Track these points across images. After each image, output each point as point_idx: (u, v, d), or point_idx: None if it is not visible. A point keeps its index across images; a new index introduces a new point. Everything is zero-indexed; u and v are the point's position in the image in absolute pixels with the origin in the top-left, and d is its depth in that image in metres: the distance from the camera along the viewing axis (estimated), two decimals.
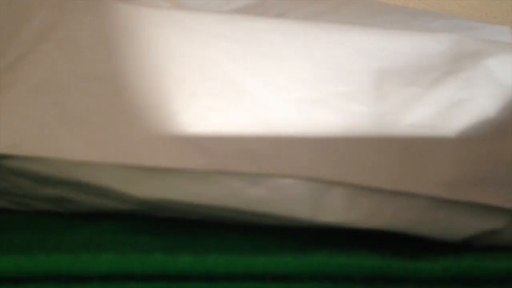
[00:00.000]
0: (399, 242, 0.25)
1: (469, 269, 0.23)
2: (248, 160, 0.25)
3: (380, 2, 0.48)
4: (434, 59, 0.31)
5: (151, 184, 0.25)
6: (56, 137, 0.26)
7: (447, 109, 0.29)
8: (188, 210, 0.26)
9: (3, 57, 0.28)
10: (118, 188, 0.25)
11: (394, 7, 0.47)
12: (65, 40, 0.29)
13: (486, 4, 0.60)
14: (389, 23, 0.42)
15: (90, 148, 0.25)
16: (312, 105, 0.28)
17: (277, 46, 0.30)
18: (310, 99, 0.28)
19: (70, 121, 0.26)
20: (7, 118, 0.26)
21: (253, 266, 0.23)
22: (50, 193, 0.27)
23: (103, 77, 0.28)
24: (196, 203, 0.25)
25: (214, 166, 0.25)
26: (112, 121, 0.26)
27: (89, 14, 0.30)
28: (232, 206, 0.25)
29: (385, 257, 0.23)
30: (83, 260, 0.22)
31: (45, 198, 0.27)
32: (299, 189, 0.25)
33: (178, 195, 0.25)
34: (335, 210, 0.24)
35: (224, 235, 0.26)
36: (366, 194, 0.25)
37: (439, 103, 0.29)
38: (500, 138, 0.28)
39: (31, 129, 0.26)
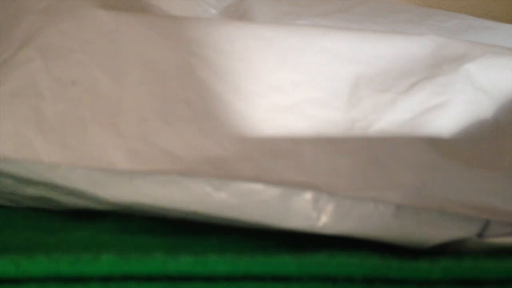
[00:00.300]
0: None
1: (469, 269, 0.22)
2: (215, 164, 0.25)
3: (394, 1, 0.47)
4: (413, 63, 0.31)
5: (121, 187, 0.25)
6: (31, 140, 0.26)
7: (419, 115, 0.28)
8: (161, 213, 0.26)
9: None
10: (90, 191, 0.26)
11: (408, 7, 0.47)
12: (46, 45, 0.29)
13: (486, 4, 0.60)
14: (401, 22, 0.41)
15: (63, 152, 0.26)
16: (284, 111, 0.28)
17: (250, 52, 0.30)
18: (282, 105, 0.28)
19: (45, 126, 0.26)
20: None
21: (253, 266, 0.23)
22: (32, 192, 0.27)
23: (80, 83, 0.28)
24: (166, 207, 0.25)
25: (181, 169, 0.25)
26: (84, 126, 0.27)
27: (71, 20, 0.30)
28: (201, 211, 0.25)
29: (385, 257, 0.23)
30: (83, 260, 0.22)
31: (29, 197, 0.28)
32: (266, 194, 0.25)
33: (147, 198, 0.25)
34: (302, 216, 0.25)
35: (224, 235, 0.26)
36: (333, 200, 0.25)
37: (411, 109, 0.29)
38: (473, 145, 0.28)
39: (6, 132, 0.26)
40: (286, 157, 0.26)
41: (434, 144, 0.27)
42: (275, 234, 0.25)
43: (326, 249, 0.23)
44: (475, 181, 0.26)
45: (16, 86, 0.28)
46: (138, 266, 0.22)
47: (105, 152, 0.26)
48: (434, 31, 0.40)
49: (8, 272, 0.22)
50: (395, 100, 0.29)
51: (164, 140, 0.26)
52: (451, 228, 0.24)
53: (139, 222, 0.27)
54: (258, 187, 0.25)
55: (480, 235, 0.24)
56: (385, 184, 0.25)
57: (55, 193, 0.27)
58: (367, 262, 0.23)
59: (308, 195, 0.25)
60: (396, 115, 0.28)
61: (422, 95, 0.29)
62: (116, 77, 0.28)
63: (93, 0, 0.31)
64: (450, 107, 0.29)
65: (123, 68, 0.29)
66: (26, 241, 0.25)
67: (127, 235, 0.26)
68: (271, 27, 0.32)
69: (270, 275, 0.23)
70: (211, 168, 0.25)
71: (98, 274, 0.22)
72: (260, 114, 0.27)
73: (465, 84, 0.30)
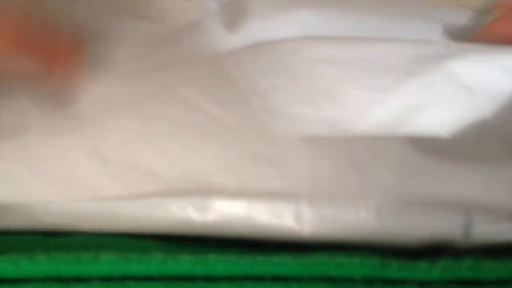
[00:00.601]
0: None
1: (469, 269, 0.23)
2: (196, 180, 0.25)
3: None
4: (396, 62, 0.31)
5: (104, 217, 0.25)
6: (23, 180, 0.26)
7: (401, 115, 0.28)
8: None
9: None
10: (74, 224, 0.25)
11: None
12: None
13: (486, 4, 0.59)
14: (398, 14, 0.41)
15: (50, 187, 0.26)
16: (264, 114, 0.28)
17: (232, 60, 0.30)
18: (262, 108, 0.28)
19: (34, 163, 0.27)
20: None
21: (253, 265, 0.23)
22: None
23: (63, 111, 0.28)
24: (148, 231, 0.25)
25: (162, 190, 0.25)
26: (68, 158, 0.27)
27: None
28: (184, 233, 0.25)
29: (385, 257, 0.23)
30: (83, 259, 0.22)
31: None
32: (248, 210, 0.25)
33: (129, 224, 0.25)
34: (286, 228, 0.24)
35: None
36: (315, 208, 0.24)
37: (393, 109, 0.28)
38: (457, 144, 0.27)
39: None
40: (266, 164, 0.26)
41: (416, 144, 0.27)
42: None
43: (326, 248, 0.23)
44: (457, 180, 0.26)
45: (5, 125, 0.28)
46: (138, 265, 0.22)
47: (90, 181, 0.26)
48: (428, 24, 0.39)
49: (8, 272, 0.22)
50: (376, 99, 0.29)
51: (144, 159, 0.26)
52: (435, 228, 0.24)
53: None
54: (240, 204, 0.25)
55: (465, 233, 0.24)
56: (365, 189, 0.25)
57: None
58: (367, 262, 0.23)
59: (290, 207, 0.24)
60: (377, 115, 0.28)
61: (406, 93, 0.29)
62: (88, 115, 0.28)
63: None
64: (433, 106, 0.29)
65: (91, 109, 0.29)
66: (26, 241, 0.25)
67: (128, 236, 0.26)
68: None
69: (270, 275, 0.23)
70: (193, 186, 0.25)
71: (98, 274, 0.22)
72: (236, 119, 0.27)
73: (448, 83, 0.30)
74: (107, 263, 0.22)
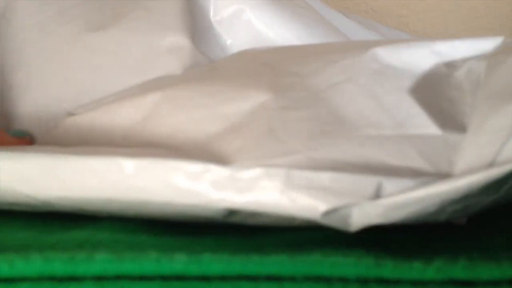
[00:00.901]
0: (396, 242, 0.25)
1: (464, 269, 0.22)
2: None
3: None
4: (323, 49, 0.33)
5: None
6: None
7: (322, 91, 0.29)
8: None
9: None
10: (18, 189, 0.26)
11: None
12: None
13: (486, 4, 0.59)
14: None
15: None
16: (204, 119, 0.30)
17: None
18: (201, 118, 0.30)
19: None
20: None
21: (247, 265, 0.23)
22: None
23: None
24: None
25: None
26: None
27: None
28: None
29: (380, 257, 0.23)
30: (77, 259, 0.22)
31: None
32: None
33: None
34: (199, 194, 0.25)
35: (219, 234, 0.26)
36: (225, 172, 0.25)
37: (315, 88, 0.30)
38: (373, 113, 0.28)
39: None
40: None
41: (332, 114, 0.28)
42: (269, 233, 0.25)
43: (321, 247, 0.23)
44: (367, 144, 0.26)
45: None
46: (132, 265, 0.22)
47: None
48: None
49: (2, 272, 0.22)
50: (301, 81, 0.30)
51: None
52: (343, 193, 0.24)
53: (136, 222, 0.27)
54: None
55: (374, 197, 0.24)
56: (276, 153, 0.25)
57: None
58: (361, 262, 0.23)
59: (211, 169, 0.24)
60: (300, 93, 0.29)
61: (327, 74, 0.30)
62: None
63: None
64: (352, 81, 0.30)
65: None
66: (22, 241, 0.25)
67: (123, 234, 0.26)
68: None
69: (264, 274, 0.23)
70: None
71: (92, 273, 0.22)
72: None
73: (371, 62, 0.31)
74: (101, 262, 0.22)
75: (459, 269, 0.22)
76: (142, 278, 0.22)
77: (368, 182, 0.24)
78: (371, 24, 0.48)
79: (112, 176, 0.25)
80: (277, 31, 0.40)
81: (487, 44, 0.32)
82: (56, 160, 0.25)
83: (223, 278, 0.23)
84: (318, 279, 0.23)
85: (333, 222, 0.24)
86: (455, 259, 0.23)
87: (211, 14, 0.41)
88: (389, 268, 0.22)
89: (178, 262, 0.22)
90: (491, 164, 0.24)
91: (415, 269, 0.22)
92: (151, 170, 0.24)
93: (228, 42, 0.40)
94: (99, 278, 0.22)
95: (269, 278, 0.22)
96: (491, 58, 0.30)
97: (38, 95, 0.36)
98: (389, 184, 0.24)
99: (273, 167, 0.24)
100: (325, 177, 0.24)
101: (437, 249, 0.24)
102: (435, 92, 0.30)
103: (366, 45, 0.32)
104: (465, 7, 0.60)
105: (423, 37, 0.57)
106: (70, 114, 0.34)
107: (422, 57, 0.31)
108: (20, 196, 0.26)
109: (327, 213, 0.23)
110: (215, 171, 0.24)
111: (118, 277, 0.22)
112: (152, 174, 0.24)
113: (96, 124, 0.32)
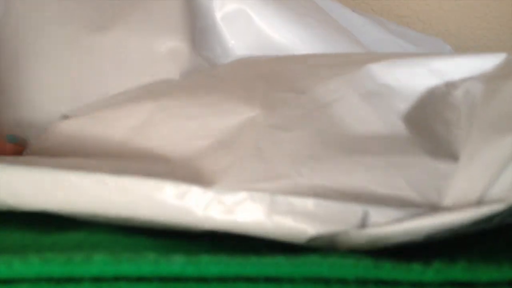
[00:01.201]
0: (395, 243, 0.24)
1: (463, 271, 0.22)
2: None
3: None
4: (317, 66, 0.33)
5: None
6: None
7: (313, 111, 0.29)
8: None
9: None
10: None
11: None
12: None
13: (486, 4, 0.59)
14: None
15: None
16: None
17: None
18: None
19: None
20: None
21: (245, 266, 0.22)
22: None
23: None
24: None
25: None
26: None
27: None
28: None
29: (378, 258, 0.23)
30: (75, 260, 0.22)
31: None
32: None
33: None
34: (187, 212, 0.25)
35: (217, 235, 0.26)
36: (210, 194, 0.25)
37: (305, 107, 0.29)
38: (360, 135, 0.28)
39: None
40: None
41: (321, 136, 0.28)
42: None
43: (320, 249, 0.23)
44: (355, 170, 0.26)
45: None
46: (130, 266, 0.22)
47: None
48: None
49: (0, 273, 0.22)
50: (295, 98, 0.30)
51: None
52: (329, 220, 0.24)
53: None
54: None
55: (360, 225, 0.24)
56: (262, 176, 0.25)
57: None
58: (360, 263, 0.22)
59: (193, 191, 0.25)
60: (292, 111, 0.29)
61: (320, 92, 0.30)
62: None
63: None
64: (345, 101, 0.29)
65: None
66: (20, 242, 0.25)
67: (121, 235, 0.26)
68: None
69: (263, 276, 0.22)
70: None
71: (90, 275, 0.22)
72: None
73: (366, 80, 0.30)
74: (99, 264, 0.22)
75: (458, 271, 0.22)
76: (140, 279, 0.22)
77: (354, 210, 0.24)
78: (379, 20, 0.48)
79: (96, 192, 0.25)
80: (280, 33, 0.40)
81: (488, 62, 0.31)
82: (42, 174, 0.26)
83: (221, 279, 0.23)
84: (317, 280, 0.22)
85: (318, 245, 0.24)
86: (454, 260, 0.23)
87: (214, 12, 0.40)
88: (388, 270, 0.22)
89: (176, 264, 0.22)
90: (480, 200, 0.24)
91: (414, 271, 0.22)
92: (136, 187, 0.25)
93: (231, 44, 0.40)
94: (97, 279, 0.22)
95: (268, 280, 0.22)
96: (490, 82, 0.30)
97: (35, 97, 0.36)
98: (376, 213, 0.24)
99: (258, 192, 0.24)
100: (310, 204, 0.24)
101: (436, 251, 0.24)
102: (431, 114, 0.29)
103: (362, 60, 0.32)
104: (465, 7, 0.60)
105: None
106: (65, 117, 0.34)
107: (419, 76, 0.31)
108: (4, 206, 0.26)
109: (313, 239, 0.24)
110: (198, 193, 0.24)
111: (116, 278, 0.22)
112: (137, 191, 0.25)
113: (89, 130, 0.32)
